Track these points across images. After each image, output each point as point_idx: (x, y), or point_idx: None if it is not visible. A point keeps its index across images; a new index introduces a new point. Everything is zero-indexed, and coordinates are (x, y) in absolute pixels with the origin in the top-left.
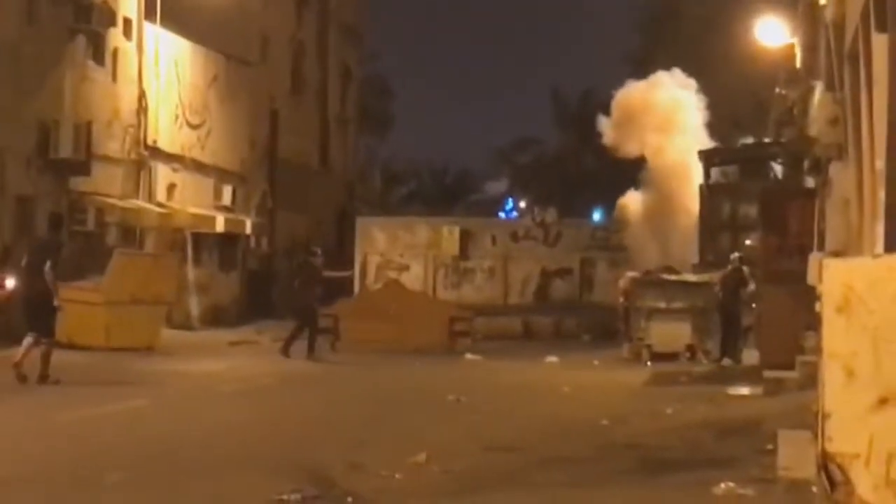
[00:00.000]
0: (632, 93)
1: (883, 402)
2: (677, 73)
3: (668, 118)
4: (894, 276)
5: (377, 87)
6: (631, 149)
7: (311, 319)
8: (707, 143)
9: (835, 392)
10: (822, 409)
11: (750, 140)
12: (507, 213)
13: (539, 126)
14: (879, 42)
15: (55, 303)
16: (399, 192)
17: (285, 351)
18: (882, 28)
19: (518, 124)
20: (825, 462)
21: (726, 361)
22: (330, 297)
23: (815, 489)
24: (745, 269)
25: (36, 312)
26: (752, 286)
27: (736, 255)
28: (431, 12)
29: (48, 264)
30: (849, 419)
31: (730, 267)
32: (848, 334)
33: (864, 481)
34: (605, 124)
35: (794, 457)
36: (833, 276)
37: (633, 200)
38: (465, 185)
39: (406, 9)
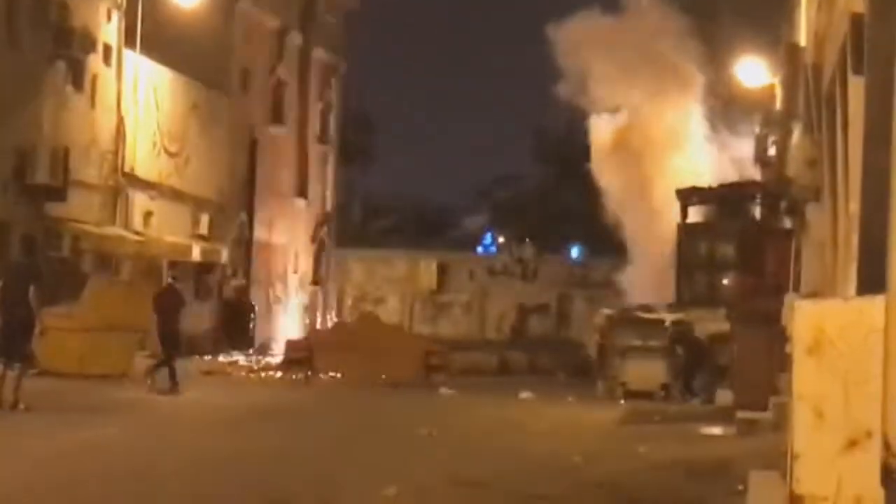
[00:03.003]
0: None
1: (852, 444)
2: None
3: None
4: (865, 319)
5: (358, 120)
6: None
7: (175, 347)
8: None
9: (804, 434)
10: (791, 451)
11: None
12: (485, 248)
13: (520, 162)
14: (855, 85)
15: (37, 328)
16: (378, 225)
17: (151, 377)
18: (858, 70)
19: (499, 160)
20: None
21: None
22: None
23: None
24: None
25: (14, 337)
26: None
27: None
28: (414, 46)
29: (32, 290)
30: (817, 461)
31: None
32: (818, 376)
33: None
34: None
35: (763, 498)
36: (804, 317)
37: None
38: (444, 219)
39: (389, 43)
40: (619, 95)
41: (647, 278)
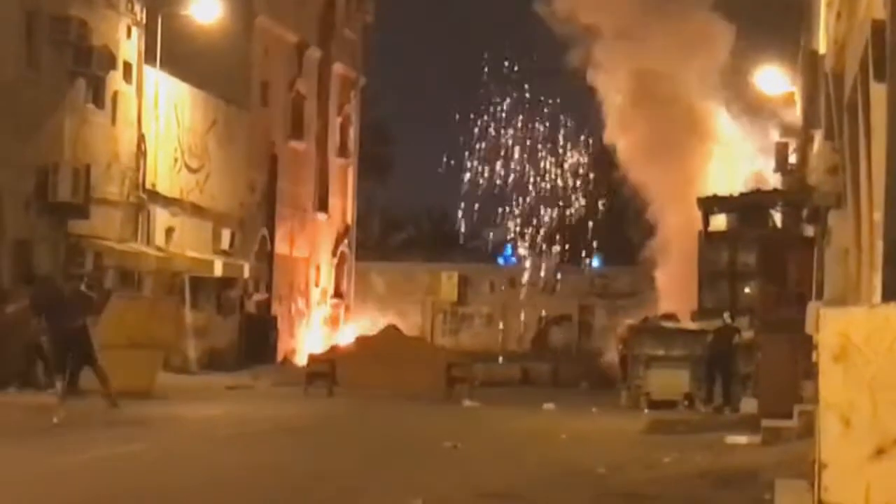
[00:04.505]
0: None
1: (880, 452)
2: None
3: None
4: (891, 326)
5: (378, 132)
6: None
7: (88, 354)
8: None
9: (832, 442)
10: (818, 459)
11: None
12: (506, 259)
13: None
14: (878, 92)
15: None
16: (399, 238)
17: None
18: (881, 78)
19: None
20: None
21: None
22: None
23: None
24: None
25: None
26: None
27: (727, 314)
28: (432, 57)
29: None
30: (846, 469)
31: (722, 323)
32: (845, 384)
33: None
34: None
35: None
36: (830, 325)
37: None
38: (465, 231)
39: (407, 55)
40: (633, 51)
41: (674, 258)
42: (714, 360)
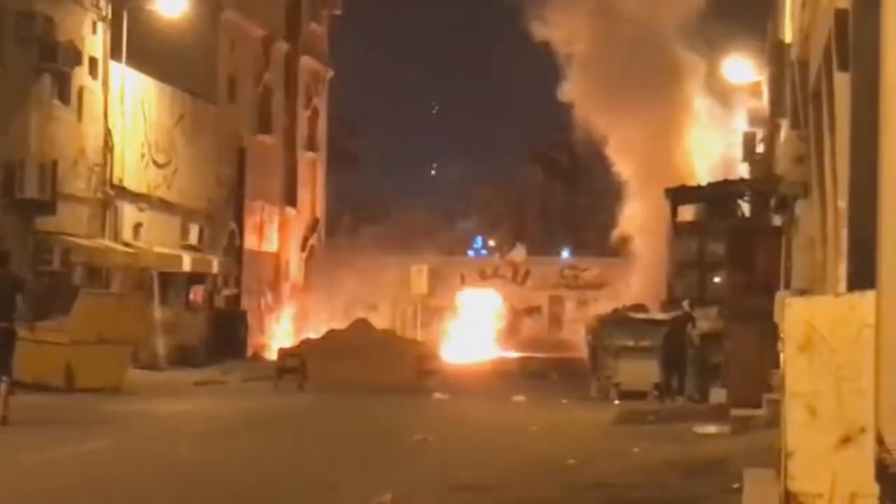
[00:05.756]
0: None
1: (845, 441)
2: None
3: None
4: (856, 315)
5: (347, 126)
6: None
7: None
8: None
9: (797, 431)
10: (784, 448)
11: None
12: (476, 251)
13: (510, 164)
14: (841, 81)
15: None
16: (369, 231)
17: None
18: (844, 67)
19: (489, 163)
20: (788, 502)
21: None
22: None
23: None
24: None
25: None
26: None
27: (686, 301)
28: (400, 49)
29: (19, 300)
30: (812, 458)
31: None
32: (810, 373)
33: None
34: None
35: (759, 496)
36: (795, 314)
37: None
38: (435, 223)
39: (375, 48)
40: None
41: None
42: (668, 350)
